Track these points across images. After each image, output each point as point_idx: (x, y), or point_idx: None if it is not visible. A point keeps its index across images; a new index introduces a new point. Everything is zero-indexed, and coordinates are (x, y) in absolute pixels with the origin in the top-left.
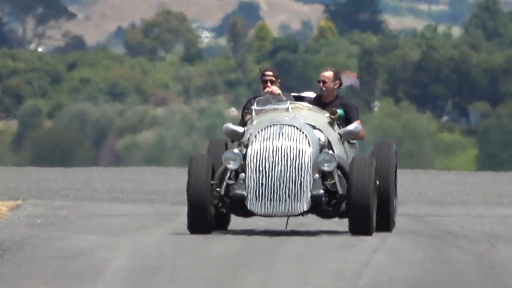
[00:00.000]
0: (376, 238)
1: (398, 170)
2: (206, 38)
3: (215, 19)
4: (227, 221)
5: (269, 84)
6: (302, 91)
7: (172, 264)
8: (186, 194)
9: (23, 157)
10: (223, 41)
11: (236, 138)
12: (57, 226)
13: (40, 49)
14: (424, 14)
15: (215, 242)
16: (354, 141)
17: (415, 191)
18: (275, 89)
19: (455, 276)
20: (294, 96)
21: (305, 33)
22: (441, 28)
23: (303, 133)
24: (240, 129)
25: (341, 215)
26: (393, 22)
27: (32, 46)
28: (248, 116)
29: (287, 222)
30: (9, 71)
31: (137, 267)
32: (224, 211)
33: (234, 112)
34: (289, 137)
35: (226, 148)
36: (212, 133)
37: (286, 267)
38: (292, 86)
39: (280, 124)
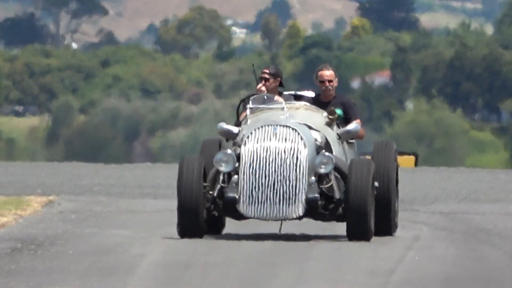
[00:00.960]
0: (409, 235)
1: (431, 167)
2: (239, 34)
3: (248, 16)
4: (221, 224)
5: (263, 82)
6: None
7: (205, 261)
8: (177, 197)
9: (56, 153)
10: (256, 38)
11: (231, 137)
12: (90, 221)
13: (73, 45)
14: (457, 11)
15: (247, 239)
16: (353, 141)
17: (448, 188)
18: (263, 88)
19: (488, 273)
20: (292, 95)
21: (337, 32)
22: (474, 25)
23: (298, 133)
24: (235, 129)
25: (338, 219)
26: (426, 19)
27: (65, 42)
28: (243, 114)
29: (280, 226)
30: (43, 70)
31: (169, 263)
32: (216, 214)
33: None
34: (283, 137)
35: (220, 148)
36: None
37: (319, 264)
38: None
39: (274, 125)
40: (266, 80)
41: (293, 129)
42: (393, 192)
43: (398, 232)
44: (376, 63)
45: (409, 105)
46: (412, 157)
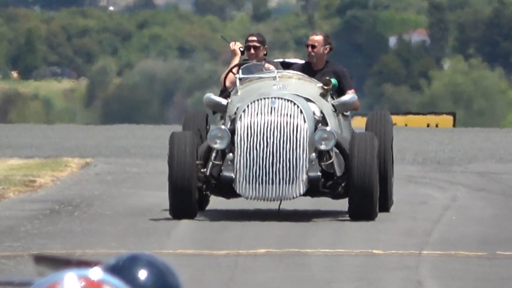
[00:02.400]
0: (447, 195)
1: (469, 128)
2: None
3: None
4: (205, 201)
5: (252, 51)
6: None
7: (241, 222)
8: (168, 176)
9: (93, 115)
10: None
11: (219, 110)
12: (126, 183)
13: (110, 8)
14: None
15: (283, 201)
16: (347, 113)
17: (486, 148)
18: (235, 48)
19: None
20: (280, 63)
21: None
22: None
23: (297, 107)
24: (224, 101)
25: (337, 197)
26: None
27: (102, 3)
28: (228, 82)
29: (279, 205)
30: (79, 30)
31: (206, 224)
32: (209, 194)
33: None
34: (282, 112)
35: (207, 121)
36: None
37: (357, 224)
38: (362, 45)
39: (271, 98)
40: (256, 48)
41: (291, 101)
42: (390, 167)
43: (436, 192)
44: (412, 21)
45: (446, 64)
46: (451, 117)
